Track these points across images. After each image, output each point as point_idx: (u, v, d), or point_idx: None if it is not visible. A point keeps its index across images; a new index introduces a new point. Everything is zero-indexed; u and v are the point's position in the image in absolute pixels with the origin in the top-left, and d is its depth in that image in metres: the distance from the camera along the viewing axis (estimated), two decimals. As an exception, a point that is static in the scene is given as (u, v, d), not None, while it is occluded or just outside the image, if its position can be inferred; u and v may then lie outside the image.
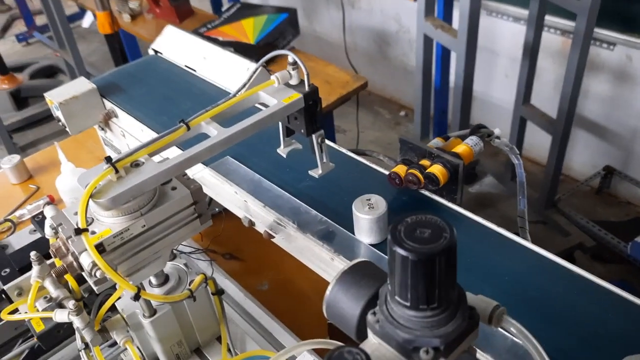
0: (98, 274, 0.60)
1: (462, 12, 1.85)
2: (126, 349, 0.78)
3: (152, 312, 0.73)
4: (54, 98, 1.11)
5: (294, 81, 0.77)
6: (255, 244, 1.17)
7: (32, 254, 0.75)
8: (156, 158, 0.67)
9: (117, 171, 0.62)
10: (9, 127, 3.34)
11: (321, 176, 0.82)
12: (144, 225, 0.65)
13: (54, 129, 3.48)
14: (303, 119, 0.77)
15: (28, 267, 0.81)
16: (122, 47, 2.44)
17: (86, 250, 0.60)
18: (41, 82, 3.82)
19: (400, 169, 0.84)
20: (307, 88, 0.75)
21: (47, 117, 3.56)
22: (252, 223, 0.90)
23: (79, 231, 0.59)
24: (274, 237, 0.84)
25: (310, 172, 0.82)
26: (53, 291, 0.74)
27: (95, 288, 0.64)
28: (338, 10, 3.35)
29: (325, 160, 0.81)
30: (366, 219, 0.75)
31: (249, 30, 2.37)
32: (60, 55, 3.53)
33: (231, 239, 1.17)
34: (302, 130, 0.78)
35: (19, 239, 0.90)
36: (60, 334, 0.73)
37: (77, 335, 0.77)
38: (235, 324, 0.85)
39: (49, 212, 0.67)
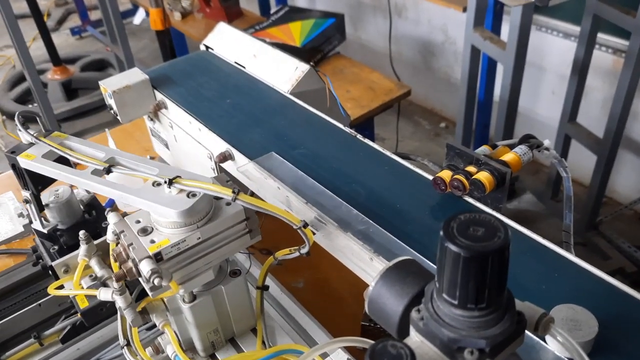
0: (156, 281, 0.62)
1: (513, 25, 1.82)
2: (163, 332, 0.80)
3: (192, 298, 0.74)
4: (108, 86, 1.15)
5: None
6: (293, 242, 1.18)
7: (81, 233, 0.77)
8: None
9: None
10: (59, 116, 3.45)
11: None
12: (199, 238, 0.68)
13: (101, 120, 3.58)
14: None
15: (75, 246, 0.84)
16: (172, 44, 2.49)
17: (145, 258, 0.63)
18: (91, 75, 3.95)
19: (446, 174, 0.83)
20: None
21: (94, 108, 3.67)
22: (293, 219, 0.91)
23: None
24: (314, 233, 0.84)
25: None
26: (98, 270, 0.77)
27: (150, 294, 0.67)
28: (384, 18, 3.35)
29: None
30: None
31: (296, 33, 2.40)
32: (111, 50, 3.64)
33: (269, 236, 1.17)
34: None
35: (68, 219, 0.93)
36: (103, 312, 0.75)
37: (119, 315, 0.79)
38: (270, 318, 0.85)
39: (112, 218, 0.70)
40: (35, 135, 0.79)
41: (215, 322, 0.78)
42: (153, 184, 0.69)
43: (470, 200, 0.84)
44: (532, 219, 2.59)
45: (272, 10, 3.40)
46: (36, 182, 0.80)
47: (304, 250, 0.79)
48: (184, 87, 1.19)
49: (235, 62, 1.26)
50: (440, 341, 0.44)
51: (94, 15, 4.63)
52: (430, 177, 0.88)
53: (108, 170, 0.73)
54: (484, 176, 0.78)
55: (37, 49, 4.15)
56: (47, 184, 0.82)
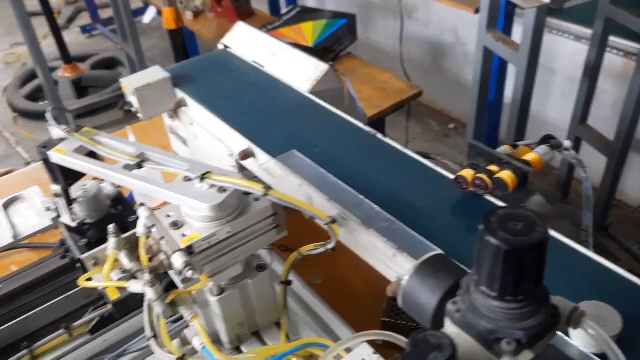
0: (189, 273, 0.64)
1: (526, 27, 1.84)
2: (188, 326, 0.81)
3: (220, 291, 0.75)
4: (130, 84, 1.16)
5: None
6: (310, 239, 1.19)
7: (111, 227, 0.79)
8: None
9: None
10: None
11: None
12: (229, 232, 0.70)
13: (111, 118, 3.60)
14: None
15: (102, 240, 0.86)
16: (185, 43, 2.51)
17: (178, 251, 0.65)
18: (101, 73, 3.97)
19: (467, 173, 0.84)
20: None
21: (105, 106, 3.69)
22: (313, 217, 0.92)
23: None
24: (337, 229, 0.86)
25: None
26: (127, 263, 0.78)
27: (181, 286, 0.69)
28: (394, 19, 3.37)
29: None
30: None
31: (308, 33, 2.41)
32: (122, 49, 3.66)
33: (288, 233, 1.19)
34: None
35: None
36: (133, 303, 0.77)
37: (145, 307, 0.80)
38: (293, 312, 0.87)
39: (143, 213, 0.71)
40: (67, 130, 0.81)
41: (241, 315, 0.79)
42: (184, 179, 0.71)
43: (492, 199, 0.85)
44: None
45: (282, 10, 3.42)
46: (66, 177, 0.82)
47: (329, 246, 0.80)
48: (204, 85, 1.21)
49: (254, 62, 1.28)
50: (477, 332, 0.45)
51: (104, 13, 4.65)
52: (451, 176, 0.90)
53: (139, 165, 0.74)
54: (506, 175, 0.79)
55: (47, 47, 4.16)
56: (76, 179, 0.84)
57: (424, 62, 3.39)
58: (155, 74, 1.19)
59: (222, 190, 0.69)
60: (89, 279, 0.81)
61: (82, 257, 0.81)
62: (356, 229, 0.83)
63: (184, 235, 0.68)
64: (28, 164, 3.38)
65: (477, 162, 0.86)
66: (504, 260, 0.41)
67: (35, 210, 1.02)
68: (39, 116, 3.72)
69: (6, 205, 1.03)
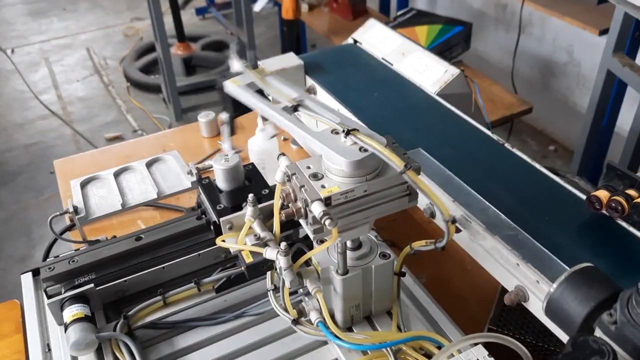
0: (327, 222, 0.67)
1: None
2: (300, 300, 0.85)
3: (346, 271, 0.79)
4: (266, 67, 1.23)
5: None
6: (416, 237, 1.21)
7: (250, 196, 0.85)
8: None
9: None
10: (177, 90, 3.68)
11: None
12: (366, 190, 0.72)
13: (214, 98, 3.77)
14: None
15: (235, 208, 0.92)
16: (300, 34, 2.59)
17: (317, 200, 0.69)
18: (210, 54, 4.17)
19: (602, 194, 0.83)
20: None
21: (210, 86, 3.87)
22: (433, 215, 0.94)
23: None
24: (459, 231, 0.87)
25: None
26: (260, 232, 0.84)
27: (312, 236, 0.72)
28: (506, 31, 3.29)
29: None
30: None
31: (422, 37, 2.42)
32: (234, 33, 3.82)
33: (394, 228, 1.22)
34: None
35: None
36: (263, 269, 0.82)
37: (268, 276, 0.86)
38: (404, 304, 0.89)
39: (283, 162, 0.76)
40: (245, 65, 0.88)
41: (359, 297, 0.83)
42: (332, 132, 0.74)
43: (624, 223, 0.83)
44: None
45: (391, 10, 3.44)
46: (235, 108, 0.90)
47: (440, 244, 0.80)
48: (333, 76, 1.26)
49: (383, 58, 1.31)
50: (634, 346, 0.45)
51: (218, -2, 4.87)
52: (580, 195, 0.88)
53: (295, 108, 0.79)
54: (648, 201, 0.78)
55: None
56: (242, 112, 0.92)
57: (531, 79, 3.30)
58: (289, 59, 1.25)
59: (363, 149, 0.71)
60: (223, 241, 0.87)
61: (221, 219, 0.88)
62: (480, 233, 0.84)
63: (323, 187, 0.71)
64: (135, 131, 3.61)
65: (614, 185, 0.84)
66: (683, 278, 0.42)
67: (174, 172, 1.11)
68: (150, 88, 3.96)
69: (148, 165, 1.13)
